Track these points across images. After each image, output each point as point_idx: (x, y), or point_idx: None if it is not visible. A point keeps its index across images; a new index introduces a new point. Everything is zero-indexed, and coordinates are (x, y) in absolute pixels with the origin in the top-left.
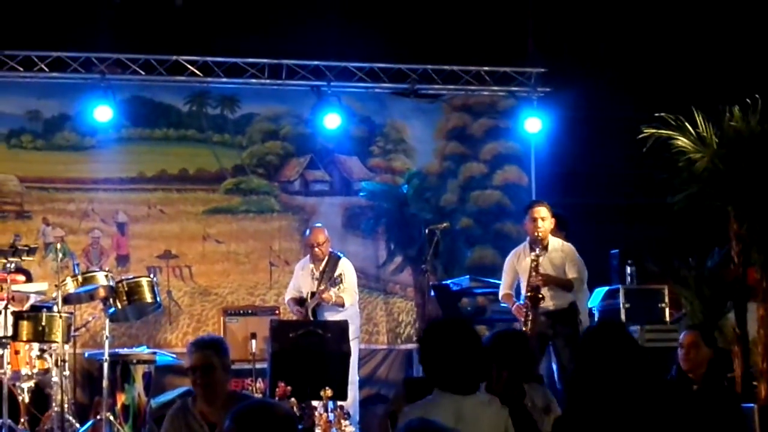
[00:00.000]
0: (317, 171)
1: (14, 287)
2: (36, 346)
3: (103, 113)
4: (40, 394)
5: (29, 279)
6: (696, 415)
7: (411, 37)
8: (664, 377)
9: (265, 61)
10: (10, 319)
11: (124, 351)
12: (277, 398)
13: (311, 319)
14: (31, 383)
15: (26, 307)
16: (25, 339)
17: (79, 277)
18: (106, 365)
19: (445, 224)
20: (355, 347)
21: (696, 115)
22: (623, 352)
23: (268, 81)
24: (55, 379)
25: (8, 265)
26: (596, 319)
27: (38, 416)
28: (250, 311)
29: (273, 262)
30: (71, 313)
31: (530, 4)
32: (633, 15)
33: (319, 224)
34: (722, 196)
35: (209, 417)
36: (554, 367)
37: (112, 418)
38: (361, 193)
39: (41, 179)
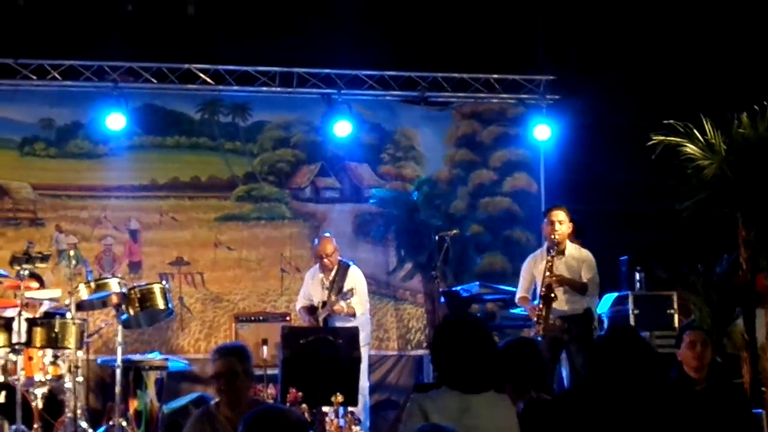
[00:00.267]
0: (328, 178)
1: (28, 294)
2: (49, 352)
3: (115, 121)
4: (54, 400)
5: (42, 286)
6: (707, 416)
7: (421, 45)
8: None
9: (276, 69)
10: (24, 326)
11: (137, 357)
12: (288, 404)
13: (322, 326)
14: (45, 389)
15: (39, 313)
16: (38, 345)
17: (92, 284)
18: (118, 371)
19: (454, 231)
20: (365, 353)
21: (704, 121)
22: (638, 357)
23: (279, 89)
24: (68, 385)
25: (22, 272)
26: (605, 325)
27: (51, 422)
28: (261, 318)
29: (284, 268)
30: (84, 320)
31: (539, 12)
32: (641, 22)
33: (327, 234)
34: (731, 202)
35: (234, 422)
36: (564, 372)
37: (124, 423)
38: (372, 200)
39: (54, 187)
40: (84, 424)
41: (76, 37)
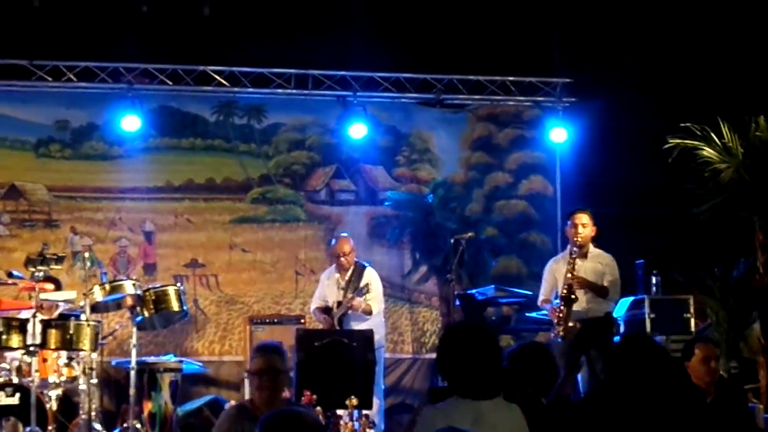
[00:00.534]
0: (343, 180)
1: (42, 295)
2: (64, 354)
3: (130, 123)
4: (68, 402)
5: (57, 287)
6: (718, 428)
7: (436, 47)
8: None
9: (291, 71)
10: (39, 327)
11: (151, 359)
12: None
13: (337, 328)
14: (59, 391)
15: (54, 315)
16: (53, 347)
17: (107, 286)
18: (133, 373)
19: (470, 234)
20: (380, 356)
21: (721, 125)
22: (654, 366)
23: (294, 91)
24: (83, 386)
25: (37, 274)
26: (621, 329)
27: (66, 424)
28: (275, 320)
29: (299, 271)
30: (99, 322)
31: (556, 15)
32: (658, 25)
33: (344, 234)
34: (748, 206)
35: None
36: (579, 377)
37: (138, 426)
38: (387, 203)
39: (69, 188)
40: (98, 426)
41: (92, 38)
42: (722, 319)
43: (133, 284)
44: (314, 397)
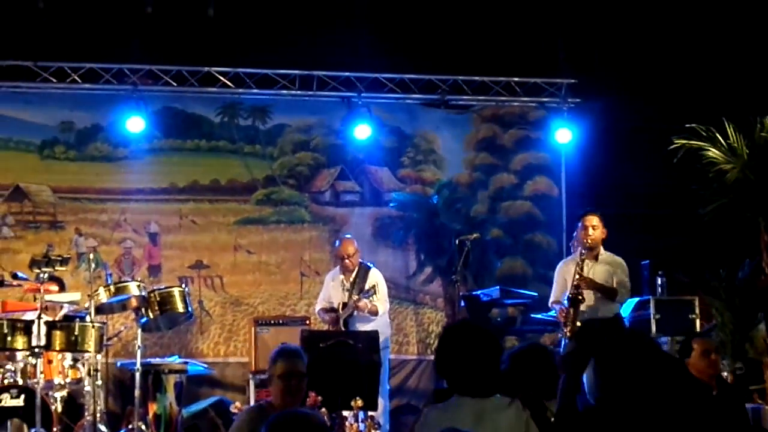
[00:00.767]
0: (348, 182)
1: (47, 297)
2: (69, 355)
3: (135, 124)
4: (73, 404)
5: (62, 289)
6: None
7: (441, 48)
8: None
9: (296, 72)
10: (44, 329)
11: (156, 360)
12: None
13: (342, 329)
14: (64, 392)
15: (59, 316)
16: (58, 348)
17: (112, 287)
18: (138, 375)
19: (475, 235)
20: (385, 357)
21: (727, 125)
22: (655, 367)
23: (299, 92)
24: (88, 388)
25: (41, 275)
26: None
27: (71, 425)
28: (280, 321)
29: (303, 272)
30: (104, 323)
31: (560, 16)
32: (663, 26)
33: (348, 235)
34: (753, 206)
35: None
36: (584, 377)
37: (144, 427)
38: (392, 204)
39: (74, 190)
40: (103, 428)
41: (96, 39)
42: (727, 320)
43: (138, 286)
44: (319, 398)
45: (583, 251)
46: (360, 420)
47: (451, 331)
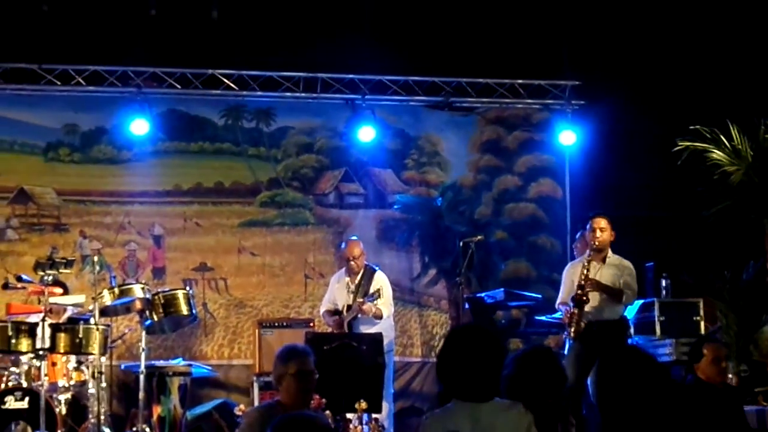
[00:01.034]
0: (352, 184)
1: (52, 299)
2: (73, 358)
3: (139, 126)
4: (77, 406)
5: (66, 291)
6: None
7: (445, 50)
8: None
9: (300, 74)
10: (48, 331)
11: (160, 363)
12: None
13: (347, 331)
14: (68, 395)
15: (63, 319)
16: (62, 351)
17: (116, 290)
18: (142, 377)
19: (479, 237)
20: (389, 360)
21: (731, 127)
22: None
23: (303, 94)
24: (92, 390)
25: (46, 278)
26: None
27: (75, 428)
28: (285, 323)
29: (308, 274)
30: (108, 326)
31: (564, 18)
32: (668, 28)
33: (354, 237)
34: (757, 208)
35: None
36: (588, 380)
37: (148, 429)
38: (396, 206)
39: (78, 192)
40: (107, 430)
41: (100, 42)
42: (732, 321)
43: (142, 288)
44: (323, 400)
45: (591, 253)
46: (364, 422)
47: (453, 334)
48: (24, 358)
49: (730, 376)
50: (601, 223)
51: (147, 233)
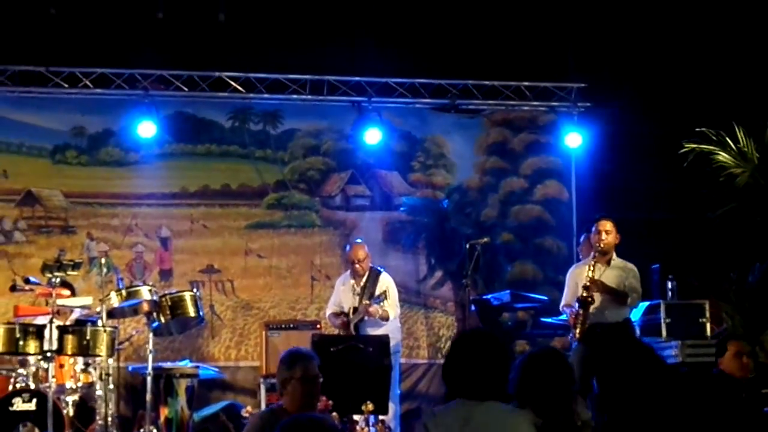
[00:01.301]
0: (358, 186)
1: (59, 301)
2: (80, 359)
3: (146, 129)
4: (85, 408)
5: (74, 293)
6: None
7: (451, 52)
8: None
9: (306, 77)
10: (55, 333)
11: (168, 365)
12: (318, 412)
13: (353, 333)
14: (76, 396)
15: (71, 321)
16: (69, 353)
17: (123, 292)
18: (149, 379)
19: (485, 239)
20: (396, 361)
21: (737, 129)
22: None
23: (309, 97)
24: (99, 392)
25: (53, 280)
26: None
27: (82, 429)
28: (291, 325)
29: (314, 276)
30: (115, 327)
31: (571, 20)
32: (673, 30)
33: (359, 240)
34: (763, 210)
35: None
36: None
37: (155, 431)
38: (402, 208)
39: (85, 194)
40: None
41: (108, 45)
42: (738, 323)
43: (150, 290)
44: (330, 402)
45: (595, 255)
46: (371, 424)
47: (459, 336)
48: (32, 360)
49: None
50: (607, 225)
51: (154, 235)
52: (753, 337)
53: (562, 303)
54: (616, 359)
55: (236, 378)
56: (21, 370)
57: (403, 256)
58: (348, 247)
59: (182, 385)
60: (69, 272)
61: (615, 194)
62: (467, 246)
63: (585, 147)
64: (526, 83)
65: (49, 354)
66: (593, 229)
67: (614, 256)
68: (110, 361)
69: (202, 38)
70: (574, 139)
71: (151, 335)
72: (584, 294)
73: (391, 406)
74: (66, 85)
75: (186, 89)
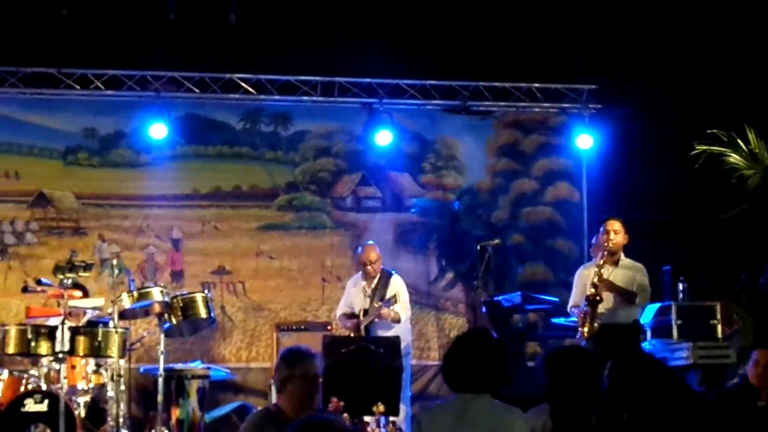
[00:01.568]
0: (369, 187)
1: (71, 303)
2: (92, 360)
3: (158, 130)
4: (96, 409)
5: (86, 294)
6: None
7: (462, 54)
8: (720, 388)
9: (317, 78)
10: (67, 335)
11: (179, 366)
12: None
13: (364, 334)
14: (87, 398)
15: (83, 322)
16: (81, 354)
17: (135, 293)
18: (160, 380)
19: (496, 240)
20: (407, 363)
21: (748, 131)
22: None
23: (320, 98)
24: (111, 393)
25: (65, 281)
26: (648, 335)
27: (94, 430)
28: (302, 327)
29: (325, 278)
30: (127, 329)
31: (582, 21)
32: (684, 32)
33: (370, 242)
34: None
35: None
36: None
37: None
38: (413, 210)
39: (97, 196)
40: None
41: (119, 47)
42: (749, 325)
43: (161, 291)
44: (341, 403)
45: (604, 255)
46: (382, 425)
47: (456, 336)
48: (43, 361)
49: None
50: (615, 225)
51: (165, 237)
52: (764, 338)
53: (570, 304)
54: (625, 365)
55: (247, 379)
56: (33, 371)
57: (414, 258)
58: (360, 249)
59: (193, 386)
60: (81, 273)
61: (626, 196)
62: (478, 247)
63: (596, 148)
64: (537, 85)
65: (60, 355)
66: (601, 229)
67: (622, 256)
68: (122, 362)
69: (213, 40)
70: (585, 141)
71: (162, 336)
72: (592, 292)
73: (402, 408)
74: (78, 87)
75: (197, 91)
